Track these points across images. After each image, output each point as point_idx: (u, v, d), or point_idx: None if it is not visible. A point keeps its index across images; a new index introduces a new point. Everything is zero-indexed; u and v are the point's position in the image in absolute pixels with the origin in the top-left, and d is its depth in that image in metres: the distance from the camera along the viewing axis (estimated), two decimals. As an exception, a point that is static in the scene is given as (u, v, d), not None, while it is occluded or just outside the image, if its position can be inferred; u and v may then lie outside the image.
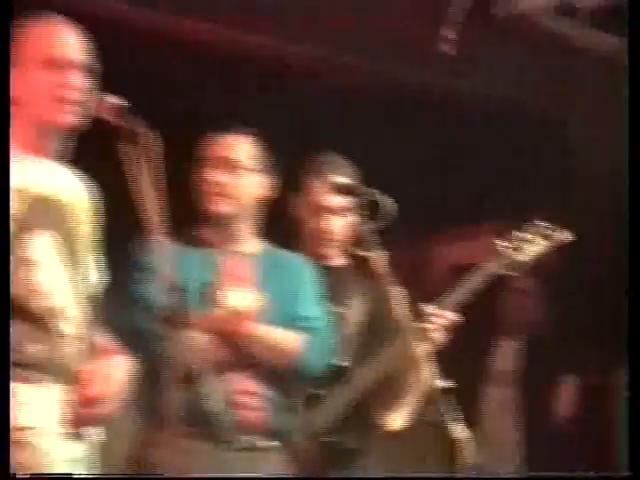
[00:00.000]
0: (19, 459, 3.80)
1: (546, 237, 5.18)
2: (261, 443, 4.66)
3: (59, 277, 4.03)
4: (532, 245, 5.16)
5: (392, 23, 6.92)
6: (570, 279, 7.06)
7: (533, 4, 7.13)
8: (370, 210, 4.47)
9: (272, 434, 4.70)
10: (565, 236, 5.21)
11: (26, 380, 3.85)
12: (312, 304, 4.88)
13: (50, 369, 3.90)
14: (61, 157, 4.08)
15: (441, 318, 4.97)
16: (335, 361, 4.98)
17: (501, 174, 7.35)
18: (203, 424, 4.58)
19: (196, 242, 4.81)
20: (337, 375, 5.00)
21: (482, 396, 7.27)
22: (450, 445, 4.24)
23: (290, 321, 4.81)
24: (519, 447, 7.42)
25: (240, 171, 4.74)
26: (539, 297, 7.22)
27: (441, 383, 4.37)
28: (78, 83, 3.94)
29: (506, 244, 5.14)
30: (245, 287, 4.84)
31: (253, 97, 6.57)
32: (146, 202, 3.84)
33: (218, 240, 4.83)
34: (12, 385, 3.86)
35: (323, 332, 4.84)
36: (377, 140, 6.27)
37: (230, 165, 4.75)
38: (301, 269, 4.95)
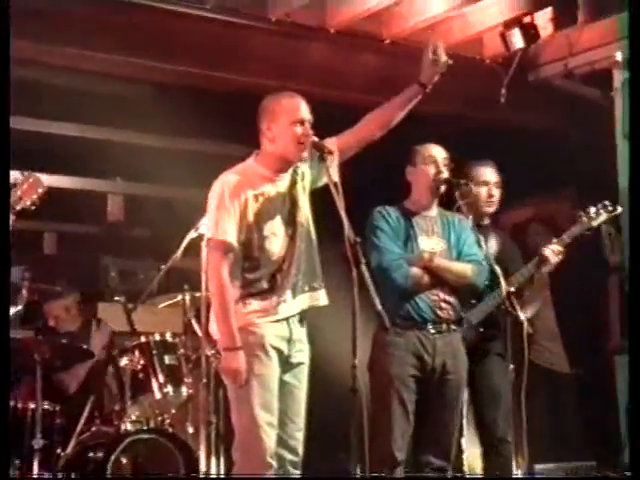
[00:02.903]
0: (249, 342, 4.32)
1: (606, 211, 5.53)
2: (452, 328, 5.07)
3: (283, 240, 4.44)
4: (599, 217, 5.51)
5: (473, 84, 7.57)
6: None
7: (549, 72, 7.58)
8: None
9: (457, 324, 5.10)
10: (618, 210, 5.57)
11: (255, 298, 4.39)
12: (473, 245, 5.14)
13: (272, 293, 4.40)
14: (285, 170, 4.47)
15: (557, 249, 5.41)
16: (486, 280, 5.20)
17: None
18: (416, 320, 5.04)
19: (404, 210, 5.19)
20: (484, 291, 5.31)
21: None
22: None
23: (460, 256, 5.14)
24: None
25: None
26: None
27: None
28: (310, 133, 4.40)
29: (585, 216, 5.50)
30: (433, 237, 5.15)
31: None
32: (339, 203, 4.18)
33: (416, 208, 5.19)
34: (251, 305, 4.36)
35: (481, 262, 5.11)
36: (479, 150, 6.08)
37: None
38: (461, 223, 5.20)
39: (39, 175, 4.89)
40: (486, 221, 5.65)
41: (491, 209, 5.66)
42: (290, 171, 4.54)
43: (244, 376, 4.27)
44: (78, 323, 6.72)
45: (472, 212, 5.40)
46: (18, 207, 4.65)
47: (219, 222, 4.34)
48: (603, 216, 5.53)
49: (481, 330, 5.41)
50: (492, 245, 5.55)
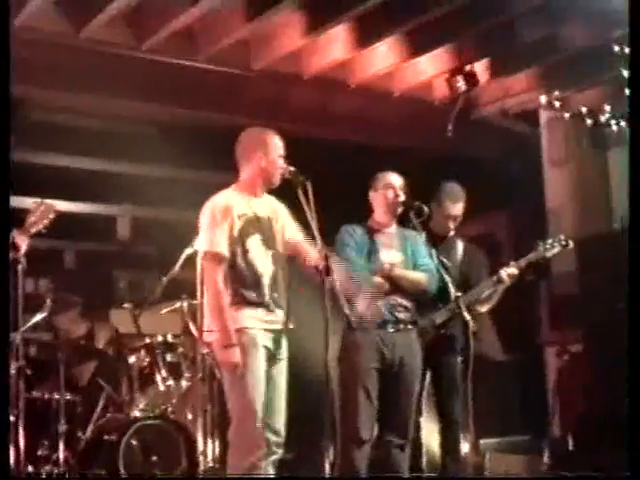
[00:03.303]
0: (242, 341, 4.22)
1: (560, 245, 5.43)
2: (408, 327, 5.01)
3: (263, 258, 4.39)
4: (552, 249, 5.42)
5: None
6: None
7: (488, 112, 7.74)
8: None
9: (412, 324, 5.04)
10: (570, 244, 5.45)
11: (246, 306, 4.32)
12: (426, 256, 5.09)
13: (258, 304, 4.35)
14: (259, 195, 4.46)
15: (513, 273, 5.34)
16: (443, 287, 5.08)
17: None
18: (377, 320, 4.95)
19: (368, 228, 5.14)
20: (447, 296, 5.12)
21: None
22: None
23: (415, 267, 5.09)
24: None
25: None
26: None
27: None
28: (282, 164, 4.40)
29: (542, 246, 5.41)
30: (392, 250, 5.09)
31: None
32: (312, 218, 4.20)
33: (377, 226, 5.15)
34: (242, 311, 4.27)
35: (434, 271, 5.06)
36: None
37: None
38: (416, 238, 5.13)
39: (54, 202, 4.86)
40: (451, 233, 5.55)
41: (455, 223, 5.54)
42: (267, 201, 4.52)
43: (240, 368, 4.22)
44: (85, 327, 6.66)
45: (437, 227, 5.37)
46: (33, 230, 4.60)
47: (213, 237, 4.31)
48: (557, 248, 5.44)
49: (442, 331, 5.32)
50: (457, 253, 5.50)
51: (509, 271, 5.36)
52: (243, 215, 4.37)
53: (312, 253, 4.43)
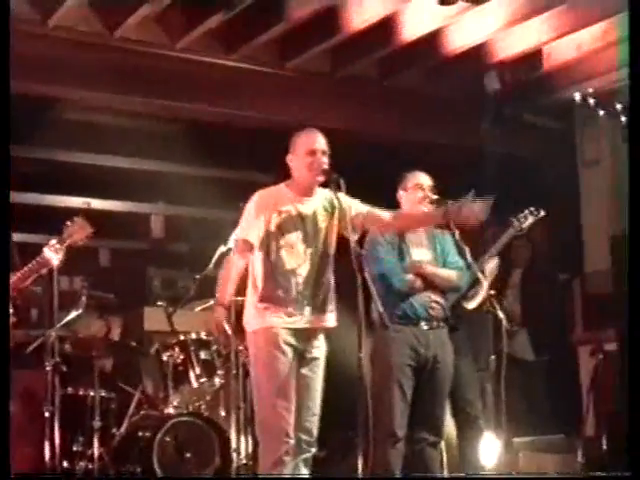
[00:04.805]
0: (264, 339, 4.28)
1: (533, 215, 5.50)
2: (440, 325, 5.04)
3: (299, 255, 4.37)
4: (527, 220, 5.49)
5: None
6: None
7: (521, 106, 7.50)
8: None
9: (444, 321, 5.07)
10: (542, 214, 5.51)
11: (272, 304, 4.32)
12: (455, 255, 5.12)
13: (286, 301, 4.34)
14: (308, 194, 4.46)
15: (494, 262, 5.40)
16: None
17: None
18: (411, 318, 5.00)
19: None
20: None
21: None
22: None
23: (445, 265, 5.12)
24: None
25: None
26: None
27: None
28: (324, 161, 4.38)
29: (516, 220, 5.48)
30: (422, 248, 5.12)
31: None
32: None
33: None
34: (267, 310, 4.30)
35: (462, 269, 5.10)
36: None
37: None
38: (445, 237, 5.16)
39: (89, 200, 5.03)
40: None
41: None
42: (318, 198, 4.50)
43: (222, 328, 4.41)
44: (101, 327, 6.65)
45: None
46: (67, 242, 4.69)
47: (246, 226, 4.40)
48: (530, 219, 5.46)
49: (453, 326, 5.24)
50: None
51: (491, 264, 5.40)
52: (285, 211, 4.38)
53: (384, 214, 4.52)
